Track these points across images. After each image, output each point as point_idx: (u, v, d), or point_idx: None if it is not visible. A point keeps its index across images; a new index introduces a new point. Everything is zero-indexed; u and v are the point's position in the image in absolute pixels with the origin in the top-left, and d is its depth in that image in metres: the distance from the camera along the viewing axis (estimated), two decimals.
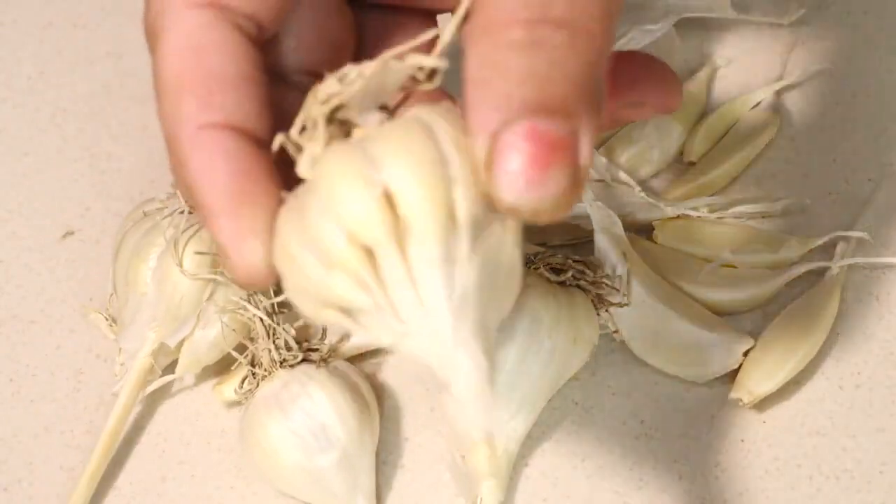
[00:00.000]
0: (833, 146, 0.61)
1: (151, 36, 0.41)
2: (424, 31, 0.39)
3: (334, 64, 0.39)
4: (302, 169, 0.37)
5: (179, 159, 0.39)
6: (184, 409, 0.56)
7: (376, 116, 0.38)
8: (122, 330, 0.55)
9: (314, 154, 0.37)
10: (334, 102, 0.37)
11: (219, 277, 0.54)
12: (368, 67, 0.37)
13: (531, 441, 0.54)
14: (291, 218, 0.37)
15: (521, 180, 0.35)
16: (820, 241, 0.57)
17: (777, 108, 0.62)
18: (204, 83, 0.39)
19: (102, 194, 0.62)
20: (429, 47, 0.37)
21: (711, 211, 0.58)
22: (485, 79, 0.36)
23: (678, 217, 0.58)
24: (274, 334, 0.53)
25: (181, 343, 0.55)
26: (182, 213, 0.56)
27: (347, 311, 0.37)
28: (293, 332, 0.54)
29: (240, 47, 0.40)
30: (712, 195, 0.59)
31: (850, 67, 0.63)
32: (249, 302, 0.54)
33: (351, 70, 0.37)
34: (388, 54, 0.37)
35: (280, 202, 0.38)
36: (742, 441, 0.53)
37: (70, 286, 0.59)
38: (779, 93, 0.62)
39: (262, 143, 0.39)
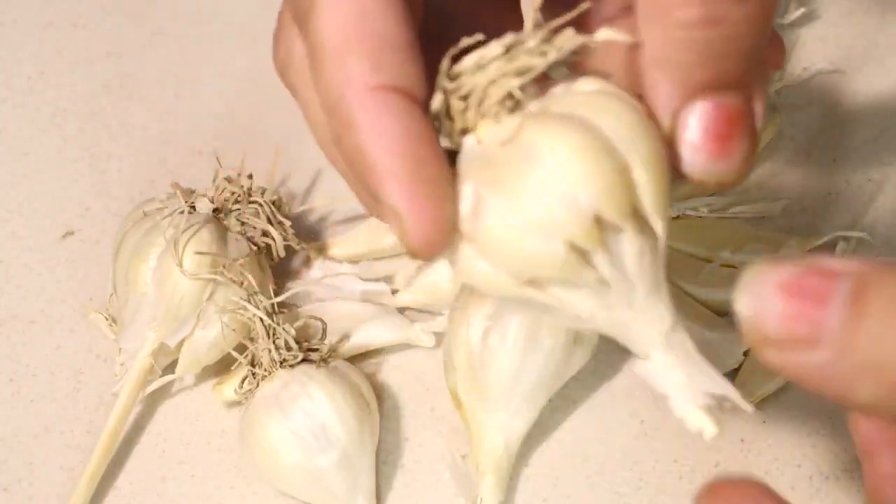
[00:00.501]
0: (833, 146, 0.61)
1: (305, 3, 0.40)
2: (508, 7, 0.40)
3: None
4: (474, 141, 0.37)
5: (346, 122, 0.38)
6: (184, 409, 0.56)
7: (534, 90, 0.38)
8: (122, 330, 0.55)
9: (510, 126, 0.37)
10: (513, 73, 0.37)
11: (219, 277, 0.54)
12: (534, 38, 0.37)
13: (531, 441, 0.54)
14: (493, 189, 0.37)
15: (704, 154, 0.36)
16: (820, 242, 0.57)
17: (777, 108, 0.62)
18: (373, 44, 0.38)
19: (102, 194, 0.62)
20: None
21: (711, 211, 0.58)
22: (665, 59, 0.37)
23: (678, 217, 0.58)
24: (274, 334, 0.53)
25: (181, 343, 0.55)
26: (182, 213, 0.56)
27: (539, 285, 0.37)
28: (293, 332, 0.54)
29: (402, 11, 0.39)
30: (712, 195, 0.59)
31: (850, 67, 0.63)
32: (249, 302, 0.54)
33: (515, 39, 0.37)
34: (557, 25, 0.37)
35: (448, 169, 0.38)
36: (742, 441, 0.53)
37: (70, 286, 0.59)
38: (779, 93, 0.62)
39: (425, 107, 0.39)
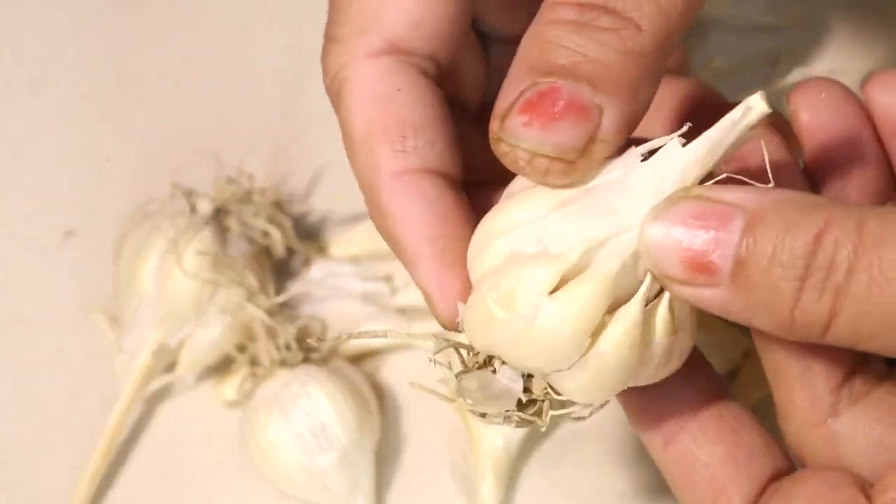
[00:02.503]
0: None
1: (334, 90, 0.42)
2: None
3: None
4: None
5: (377, 208, 0.40)
6: (184, 409, 0.56)
7: None
8: (123, 330, 0.55)
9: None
10: None
11: (219, 278, 0.54)
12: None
13: (531, 441, 0.54)
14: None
15: (522, 122, 0.37)
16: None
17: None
18: (395, 130, 0.40)
19: (102, 194, 0.62)
20: None
21: None
22: (528, 49, 0.38)
23: None
24: (274, 334, 0.53)
25: (181, 343, 0.55)
26: (182, 213, 0.56)
27: None
28: (293, 332, 0.54)
29: (425, 89, 0.41)
30: None
31: (850, 67, 0.63)
32: (250, 302, 0.54)
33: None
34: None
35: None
36: None
37: (70, 286, 0.59)
38: (778, 93, 0.62)
39: (454, 180, 0.40)
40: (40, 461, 0.55)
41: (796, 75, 0.63)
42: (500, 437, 0.52)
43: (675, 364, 0.38)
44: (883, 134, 0.40)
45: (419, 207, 0.40)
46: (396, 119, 0.40)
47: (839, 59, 0.63)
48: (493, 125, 0.38)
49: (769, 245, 0.35)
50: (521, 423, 0.39)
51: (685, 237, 0.35)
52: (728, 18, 0.64)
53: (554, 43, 0.37)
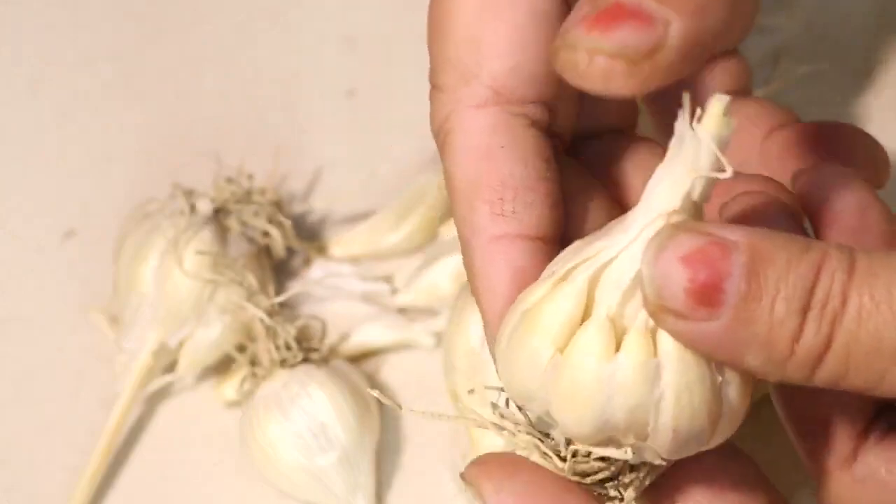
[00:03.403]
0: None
1: (441, 140, 0.41)
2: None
3: None
4: None
5: (470, 265, 0.40)
6: (184, 409, 0.56)
7: None
8: (123, 330, 0.55)
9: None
10: None
11: (219, 278, 0.54)
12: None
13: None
14: None
15: (584, 30, 0.37)
16: None
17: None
18: (495, 191, 0.40)
19: (102, 194, 0.62)
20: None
21: None
22: None
23: None
24: (274, 334, 0.53)
25: (181, 343, 0.55)
26: (182, 213, 0.56)
27: None
28: (293, 332, 0.54)
29: (529, 145, 0.41)
30: None
31: (850, 68, 0.63)
32: (249, 302, 0.54)
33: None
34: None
35: None
36: (742, 441, 0.53)
37: (70, 286, 0.59)
38: (778, 93, 0.62)
39: (551, 240, 0.40)
40: (40, 461, 0.55)
41: (796, 75, 0.63)
42: (500, 438, 0.52)
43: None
44: (817, 227, 0.41)
45: (505, 278, 0.40)
46: (497, 179, 0.40)
47: (839, 59, 0.63)
48: (555, 42, 0.37)
49: (773, 280, 0.35)
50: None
51: (689, 270, 0.35)
52: None
53: None
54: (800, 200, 0.41)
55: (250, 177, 0.57)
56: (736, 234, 0.36)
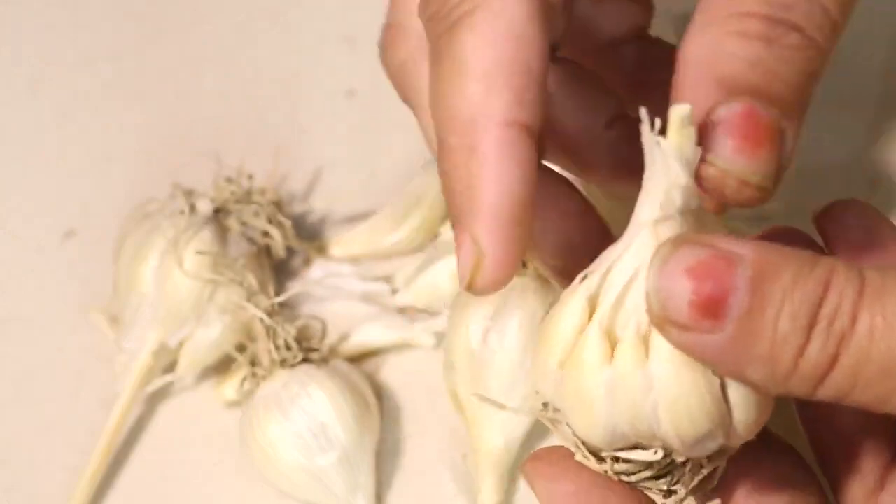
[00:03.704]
0: (833, 146, 0.61)
1: (453, 17, 0.39)
2: None
3: None
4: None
5: (469, 147, 0.38)
6: (184, 409, 0.56)
7: None
8: (123, 330, 0.55)
9: None
10: None
11: (219, 278, 0.54)
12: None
13: (531, 441, 0.54)
14: None
15: (730, 144, 0.37)
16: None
17: None
18: (521, 78, 0.38)
19: (102, 194, 0.62)
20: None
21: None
22: (710, 61, 0.37)
23: None
24: (274, 334, 0.53)
25: (181, 343, 0.55)
26: (182, 213, 0.56)
27: None
28: (293, 332, 0.54)
29: (546, 40, 0.39)
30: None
31: (850, 68, 0.63)
32: (249, 302, 0.54)
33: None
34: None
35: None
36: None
37: (70, 286, 0.59)
38: None
39: (540, 137, 0.39)
40: (40, 461, 0.55)
41: None
42: (500, 437, 0.52)
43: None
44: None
45: (516, 167, 0.37)
46: (526, 66, 0.38)
47: (838, 59, 0.63)
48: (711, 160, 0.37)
49: (778, 294, 0.35)
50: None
51: (694, 282, 0.35)
52: None
53: (745, 58, 0.37)
54: (821, 235, 0.41)
55: (250, 177, 0.57)
56: (743, 248, 0.35)
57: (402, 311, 0.58)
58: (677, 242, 0.36)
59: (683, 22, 0.64)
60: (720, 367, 0.36)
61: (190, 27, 0.67)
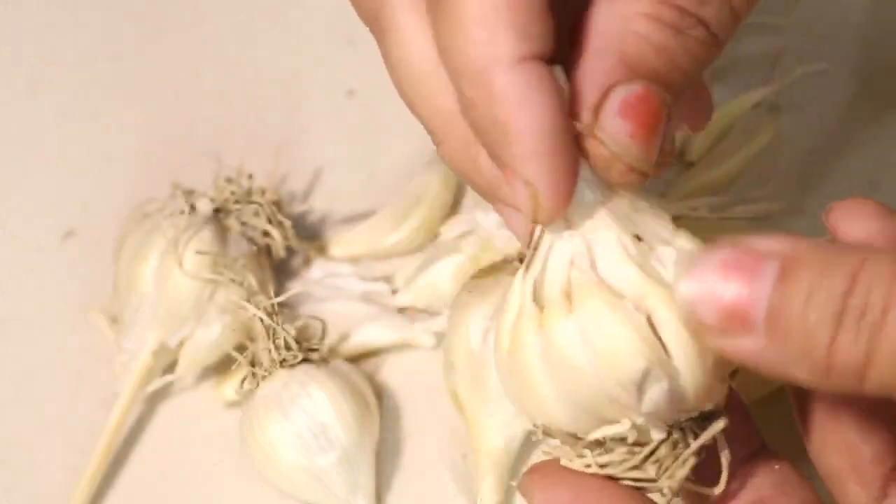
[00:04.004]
0: (833, 146, 0.61)
1: None
2: None
3: None
4: None
5: (490, 96, 0.37)
6: (184, 409, 0.56)
7: None
8: (123, 330, 0.55)
9: None
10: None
11: (219, 278, 0.54)
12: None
13: (531, 441, 0.54)
14: None
15: (624, 128, 0.37)
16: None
17: (777, 108, 0.62)
18: (522, 14, 0.37)
19: (102, 194, 0.62)
20: None
21: (711, 211, 0.58)
22: (619, 36, 0.37)
23: (678, 217, 0.58)
24: (274, 334, 0.53)
25: (181, 343, 0.55)
26: (182, 213, 0.56)
27: None
28: (293, 332, 0.54)
29: None
30: (712, 195, 0.60)
31: (850, 68, 0.63)
32: (249, 302, 0.54)
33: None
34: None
35: None
36: None
37: (70, 286, 0.59)
38: (779, 93, 0.62)
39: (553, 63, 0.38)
40: (40, 461, 0.55)
41: (796, 75, 0.63)
42: (500, 437, 0.52)
43: None
44: None
45: (540, 98, 0.37)
46: (517, 3, 0.38)
47: (839, 59, 0.63)
48: (585, 114, 0.38)
49: (805, 288, 0.34)
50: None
51: (719, 286, 0.35)
52: None
53: (652, 42, 0.37)
54: (831, 233, 0.40)
55: (250, 177, 0.57)
56: (771, 244, 0.35)
57: (402, 311, 0.58)
58: (705, 249, 0.36)
59: None
60: (767, 370, 0.36)
61: (190, 27, 0.67)
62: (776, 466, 0.42)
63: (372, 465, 0.53)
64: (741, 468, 0.41)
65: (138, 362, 0.55)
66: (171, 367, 0.56)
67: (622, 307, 0.37)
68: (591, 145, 0.38)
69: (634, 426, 0.38)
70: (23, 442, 0.56)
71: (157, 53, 0.66)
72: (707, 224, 0.58)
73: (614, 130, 0.37)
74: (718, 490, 0.38)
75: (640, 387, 0.37)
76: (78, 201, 0.62)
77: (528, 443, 0.53)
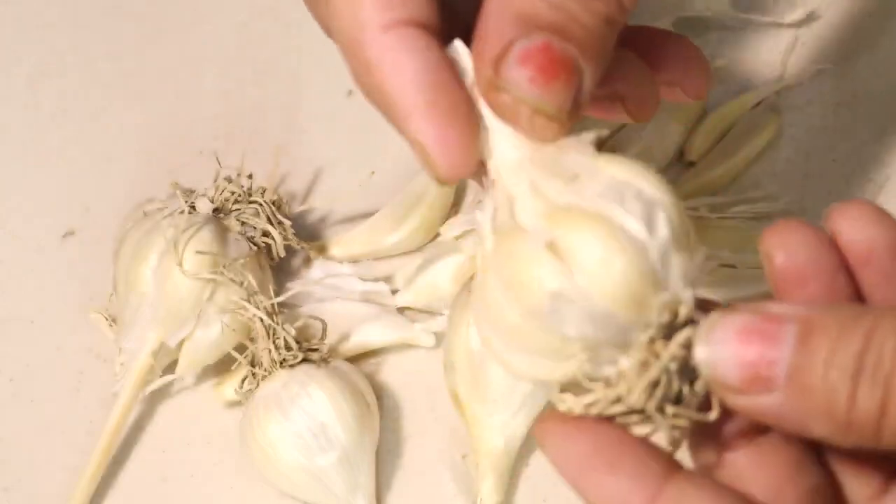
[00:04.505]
0: (833, 146, 0.61)
1: None
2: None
3: None
4: None
5: (365, 64, 0.39)
6: (184, 409, 0.56)
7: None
8: (123, 330, 0.55)
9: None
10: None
11: (219, 278, 0.54)
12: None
13: (531, 441, 0.54)
14: None
15: (526, 76, 0.38)
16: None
17: (777, 108, 0.62)
18: None
19: (102, 194, 0.62)
20: None
21: (711, 211, 0.58)
22: (516, 7, 0.38)
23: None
24: (274, 334, 0.53)
25: (181, 343, 0.55)
26: (182, 213, 0.56)
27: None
28: (293, 332, 0.54)
29: None
30: (712, 195, 0.60)
31: (850, 67, 0.63)
32: (249, 302, 0.54)
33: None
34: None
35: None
36: None
37: (70, 286, 0.59)
38: (779, 93, 0.62)
39: (437, 31, 0.40)
40: (40, 461, 0.55)
41: (796, 75, 0.63)
42: (500, 437, 0.52)
43: None
44: (852, 265, 0.40)
45: (411, 58, 0.39)
46: None
47: (840, 59, 0.63)
48: (486, 70, 0.38)
49: (825, 349, 0.35)
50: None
51: (741, 349, 0.36)
52: (728, 18, 0.64)
53: (547, 4, 0.38)
54: (833, 238, 0.40)
55: (250, 177, 0.57)
56: (789, 309, 0.36)
57: (402, 311, 0.58)
58: (726, 311, 0.36)
59: (684, 22, 0.64)
60: (785, 427, 0.36)
61: (190, 27, 0.66)
62: None
63: (372, 465, 0.53)
64: None
65: (138, 362, 0.55)
66: (171, 367, 0.56)
67: (523, 241, 0.37)
68: (493, 96, 0.38)
69: (592, 360, 0.38)
70: (22, 442, 0.56)
71: (157, 53, 0.66)
72: (707, 224, 0.58)
73: (514, 76, 0.38)
74: (713, 417, 0.38)
75: (558, 313, 0.37)
76: (78, 201, 0.62)
77: (528, 443, 0.53)
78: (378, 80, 0.39)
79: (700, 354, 0.36)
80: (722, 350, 0.36)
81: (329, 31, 0.41)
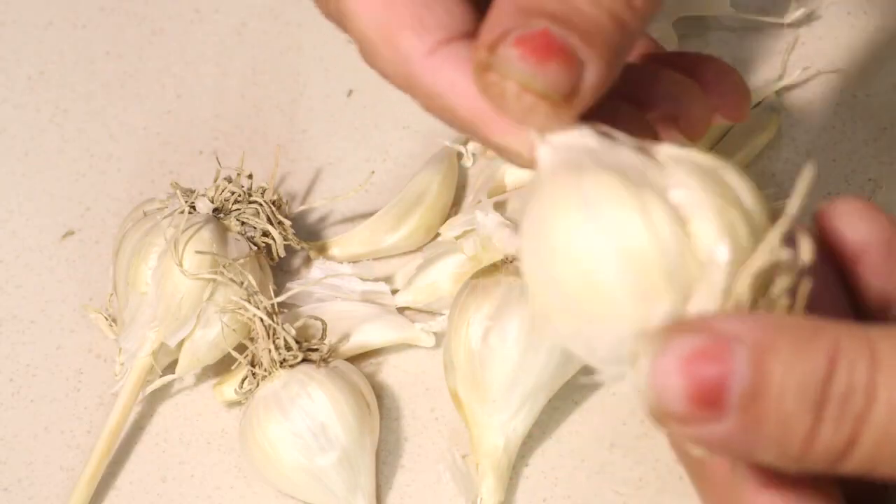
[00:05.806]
0: (833, 146, 0.61)
1: (336, 14, 0.41)
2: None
3: None
4: None
5: (425, 94, 0.40)
6: (184, 409, 0.56)
7: None
8: (123, 330, 0.55)
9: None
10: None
11: (219, 277, 0.54)
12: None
13: (531, 441, 0.54)
14: None
15: (517, 54, 0.37)
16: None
17: (777, 108, 0.62)
18: (409, 16, 0.39)
19: (102, 194, 0.62)
20: None
21: None
22: None
23: None
24: (274, 334, 0.53)
25: (181, 343, 0.55)
26: (182, 212, 0.56)
27: None
28: (293, 332, 0.54)
29: None
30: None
31: (850, 67, 0.63)
32: (249, 302, 0.54)
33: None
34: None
35: None
36: None
37: (70, 286, 0.59)
38: (779, 93, 0.62)
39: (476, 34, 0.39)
40: (39, 461, 0.55)
41: (796, 75, 0.63)
42: (500, 437, 0.52)
43: None
44: (844, 262, 0.39)
45: (463, 75, 0.39)
46: (404, 5, 0.39)
47: (840, 59, 0.63)
48: (480, 54, 0.38)
49: (779, 375, 0.33)
50: None
51: (688, 377, 0.34)
52: (728, 18, 0.64)
53: None
54: (823, 235, 0.39)
55: (250, 177, 0.57)
56: (739, 326, 0.34)
57: (402, 311, 0.58)
58: (669, 331, 0.34)
59: (684, 22, 0.64)
60: (729, 455, 0.35)
61: (190, 27, 0.66)
62: None
63: (372, 465, 0.53)
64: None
65: (138, 362, 0.55)
66: (171, 367, 0.56)
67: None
68: (481, 76, 0.38)
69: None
70: (22, 442, 0.56)
71: (157, 53, 0.66)
72: None
73: (506, 55, 0.37)
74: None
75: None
76: (78, 201, 0.62)
77: (528, 443, 0.53)
78: (441, 105, 0.39)
79: (643, 382, 0.34)
80: (667, 378, 0.34)
81: (385, 77, 0.41)
